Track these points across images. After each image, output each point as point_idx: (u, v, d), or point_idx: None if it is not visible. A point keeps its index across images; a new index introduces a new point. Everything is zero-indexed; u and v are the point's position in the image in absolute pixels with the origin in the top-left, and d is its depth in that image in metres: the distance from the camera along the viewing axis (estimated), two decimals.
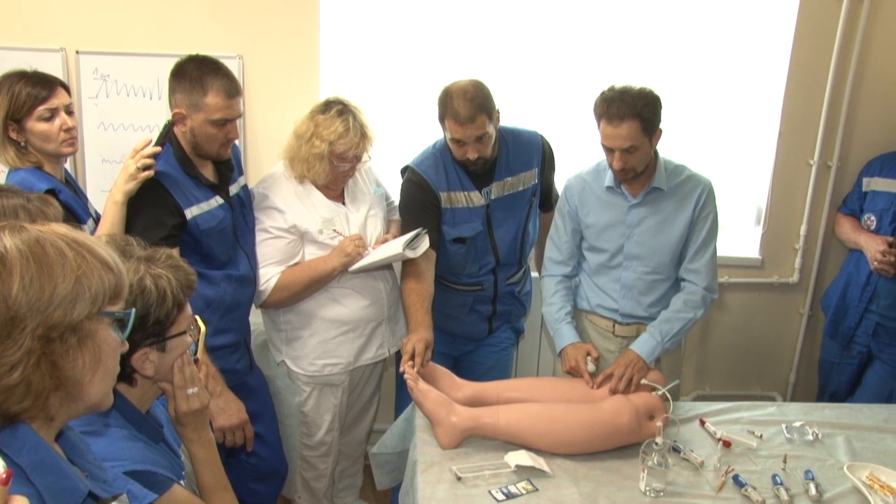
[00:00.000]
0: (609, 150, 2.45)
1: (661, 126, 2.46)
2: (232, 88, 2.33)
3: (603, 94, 2.43)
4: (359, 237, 2.58)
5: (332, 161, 2.52)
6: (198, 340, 1.57)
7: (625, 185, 2.57)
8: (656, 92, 2.43)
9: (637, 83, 2.42)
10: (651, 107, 2.39)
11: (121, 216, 2.17)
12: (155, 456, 1.45)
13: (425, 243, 2.56)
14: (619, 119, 2.37)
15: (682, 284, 2.62)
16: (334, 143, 2.49)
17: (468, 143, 2.56)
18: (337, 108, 2.52)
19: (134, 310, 1.08)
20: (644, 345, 2.49)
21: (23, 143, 2.24)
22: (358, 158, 2.57)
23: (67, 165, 2.45)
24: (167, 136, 2.29)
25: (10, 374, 0.96)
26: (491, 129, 2.58)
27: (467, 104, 2.49)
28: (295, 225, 2.58)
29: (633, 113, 2.36)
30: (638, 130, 2.38)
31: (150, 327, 1.42)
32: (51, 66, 2.73)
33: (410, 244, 2.51)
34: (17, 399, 0.97)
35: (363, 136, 2.53)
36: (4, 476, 0.80)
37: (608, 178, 2.58)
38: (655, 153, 2.54)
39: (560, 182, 2.83)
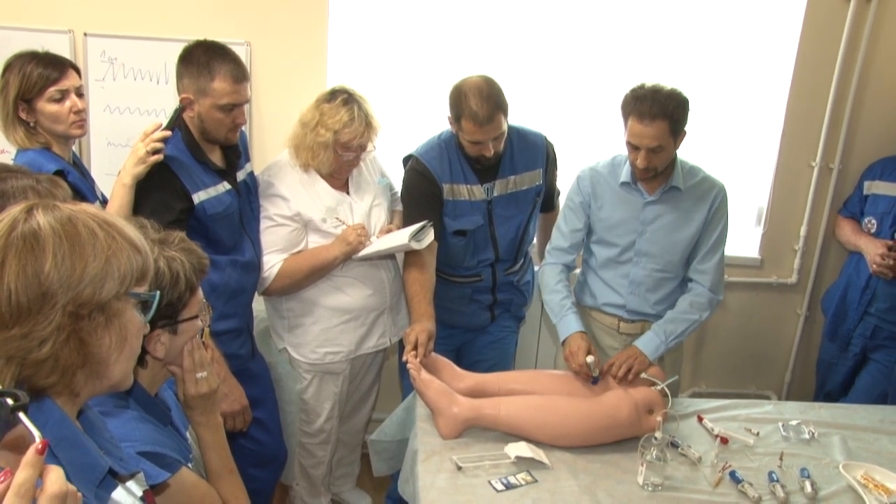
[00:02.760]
0: (634, 148, 2.43)
1: (686, 128, 2.46)
2: (239, 73, 2.33)
3: (634, 91, 2.42)
4: (361, 227, 2.59)
5: (337, 150, 2.53)
6: (208, 325, 1.58)
7: (642, 183, 2.57)
8: (685, 94, 2.42)
9: (667, 83, 2.42)
10: (681, 108, 2.39)
11: (129, 199, 2.17)
12: (164, 438, 1.46)
13: (430, 235, 2.57)
14: (649, 118, 2.35)
15: (688, 285, 2.63)
16: (339, 132, 2.49)
17: (486, 142, 2.57)
18: (342, 98, 2.52)
19: (158, 292, 1.10)
20: (648, 343, 2.51)
21: (32, 124, 2.24)
22: (362, 148, 2.57)
23: (73, 148, 2.44)
24: (177, 121, 2.29)
25: (40, 348, 0.98)
26: (506, 126, 2.58)
27: (485, 104, 2.48)
28: (299, 213, 2.59)
29: (664, 113, 2.35)
30: (666, 131, 2.37)
31: (162, 309, 1.42)
32: (58, 47, 2.72)
33: (416, 235, 2.52)
34: (45, 373, 1.00)
35: (368, 125, 2.53)
36: (41, 446, 0.81)
37: (624, 174, 2.58)
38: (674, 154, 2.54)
39: (568, 176, 2.84)
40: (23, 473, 0.80)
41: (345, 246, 2.56)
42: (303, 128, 2.55)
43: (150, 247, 1.41)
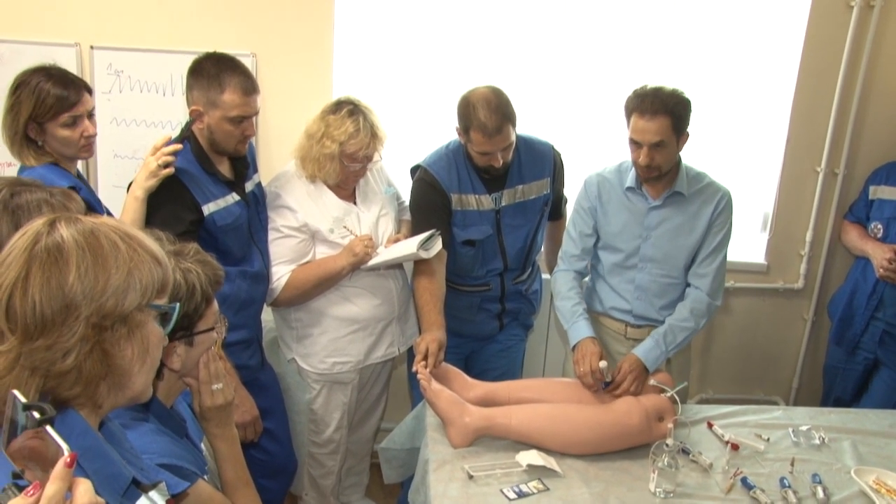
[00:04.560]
0: (636, 146, 2.46)
1: (688, 130, 2.48)
2: (249, 86, 2.34)
3: (636, 91, 2.46)
4: (368, 237, 2.59)
5: (343, 161, 2.53)
6: (224, 336, 1.59)
7: (646, 187, 2.58)
8: (687, 95, 2.45)
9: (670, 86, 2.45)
10: (682, 106, 2.43)
11: (141, 212, 2.18)
12: (180, 450, 1.47)
13: (438, 244, 2.57)
14: (651, 114, 2.39)
15: (687, 290, 2.64)
16: (345, 144, 2.50)
17: (495, 152, 2.57)
18: (348, 108, 2.53)
19: (178, 304, 1.10)
20: (649, 353, 2.49)
21: (40, 143, 2.20)
22: (368, 158, 2.58)
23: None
24: (187, 133, 2.30)
25: (64, 360, 0.99)
26: (514, 136, 2.59)
27: (493, 115, 2.49)
28: (306, 224, 2.59)
29: (666, 109, 2.38)
30: (668, 127, 2.40)
31: (179, 321, 1.42)
32: (65, 60, 2.71)
33: (424, 244, 2.52)
34: (69, 385, 1.01)
35: (374, 136, 2.53)
36: (69, 459, 0.82)
37: (630, 179, 2.59)
38: (678, 158, 2.56)
39: (576, 183, 2.84)
40: (52, 486, 0.81)
41: (351, 257, 2.56)
42: (309, 139, 2.56)
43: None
